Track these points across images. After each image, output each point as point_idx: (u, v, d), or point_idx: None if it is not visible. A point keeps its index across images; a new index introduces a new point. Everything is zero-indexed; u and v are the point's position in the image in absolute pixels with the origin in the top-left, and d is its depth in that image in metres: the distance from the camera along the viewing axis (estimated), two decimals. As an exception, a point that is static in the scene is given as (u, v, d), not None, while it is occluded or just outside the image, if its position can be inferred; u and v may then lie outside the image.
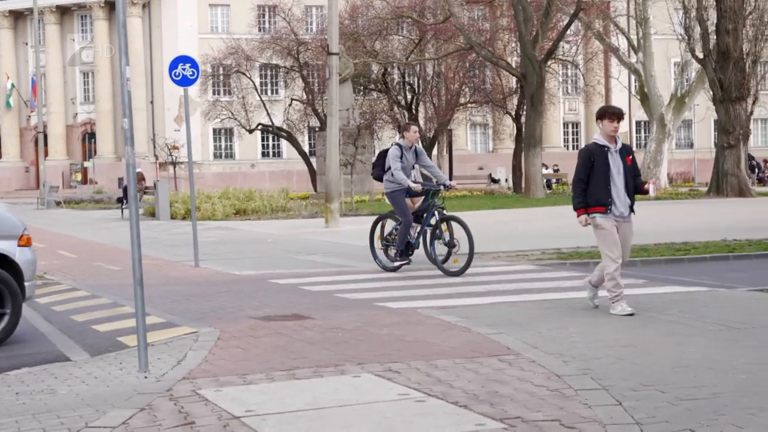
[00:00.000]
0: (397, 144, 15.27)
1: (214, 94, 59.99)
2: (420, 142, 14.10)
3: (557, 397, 6.81)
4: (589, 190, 10.46)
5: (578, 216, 10.60)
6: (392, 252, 15.48)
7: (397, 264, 15.36)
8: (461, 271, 14.52)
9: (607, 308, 10.70)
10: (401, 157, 15.03)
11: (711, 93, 41.65)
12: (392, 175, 15.06)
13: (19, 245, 10.56)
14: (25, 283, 10.62)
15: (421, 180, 16.05)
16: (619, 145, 10.68)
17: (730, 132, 39.41)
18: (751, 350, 8.33)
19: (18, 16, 72.66)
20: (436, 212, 15.03)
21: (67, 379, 8.19)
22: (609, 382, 7.18)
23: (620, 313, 10.36)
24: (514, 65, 50.28)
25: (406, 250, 15.29)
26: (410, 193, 15.23)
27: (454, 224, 14.91)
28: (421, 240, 15.39)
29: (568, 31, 48.59)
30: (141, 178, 38.70)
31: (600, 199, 10.43)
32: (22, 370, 8.76)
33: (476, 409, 6.50)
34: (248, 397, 7.01)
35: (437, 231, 15.00)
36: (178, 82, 18.04)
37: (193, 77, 18.13)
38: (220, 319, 10.95)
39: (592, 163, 10.46)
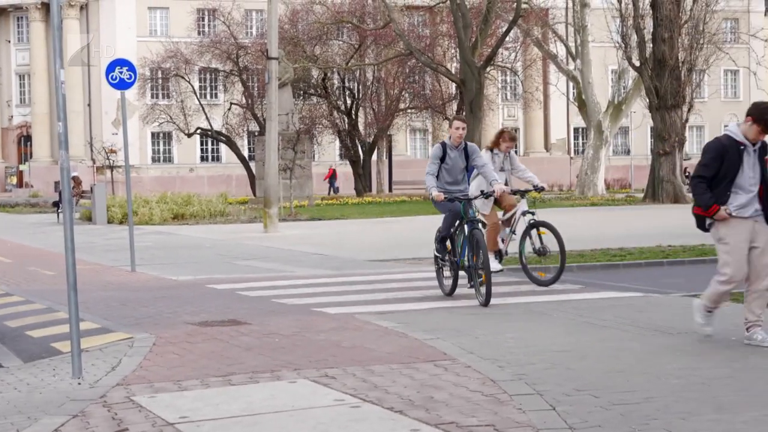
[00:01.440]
0: (441, 142, 12.99)
1: (152, 97, 59.58)
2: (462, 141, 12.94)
3: (492, 402, 6.84)
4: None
5: (713, 214, 8.87)
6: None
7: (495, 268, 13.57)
8: (551, 281, 13.46)
9: (544, 313, 10.77)
10: (442, 158, 12.65)
11: (647, 100, 42.16)
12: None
13: None
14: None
15: (511, 187, 14.27)
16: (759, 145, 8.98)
17: (666, 139, 39.91)
18: (684, 355, 8.43)
19: (-47, 17, 71.70)
20: (525, 218, 13.74)
21: (-2, 385, 8.08)
22: (543, 387, 7.23)
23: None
24: (453, 71, 50.53)
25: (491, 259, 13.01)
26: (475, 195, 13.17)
27: (543, 231, 13.59)
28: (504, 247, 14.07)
29: (507, 38, 48.94)
30: (77, 182, 38.30)
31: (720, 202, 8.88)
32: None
33: (411, 415, 6.51)
34: (183, 404, 6.96)
35: (528, 238, 13.68)
36: (115, 86, 17.89)
37: (131, 80, 17.99)
38: (156, 324, 10.87)
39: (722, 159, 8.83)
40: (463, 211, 12.29)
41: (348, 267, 17.17)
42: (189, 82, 56.22)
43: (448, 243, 12.69)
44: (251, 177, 50.42)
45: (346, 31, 56.05)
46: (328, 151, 63.49)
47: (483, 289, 11.81)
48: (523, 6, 45.13)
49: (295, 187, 37.26)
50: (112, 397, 7.27)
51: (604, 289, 13.37)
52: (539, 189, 14.10)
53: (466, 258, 12.33)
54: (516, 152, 14.60)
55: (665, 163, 39.97)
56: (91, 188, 36.39)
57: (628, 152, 72.52)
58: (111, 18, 67.22)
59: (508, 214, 14.02)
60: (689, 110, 44.27)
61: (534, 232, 13.63)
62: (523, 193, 14.12)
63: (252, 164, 49.89)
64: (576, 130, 72.46)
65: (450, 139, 12.79)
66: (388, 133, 59.61)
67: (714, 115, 74.77)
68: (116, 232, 27.95)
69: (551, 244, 13.46)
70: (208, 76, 62.18)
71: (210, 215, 33.46)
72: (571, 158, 71.29)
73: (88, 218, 34.85)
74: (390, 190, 60.55)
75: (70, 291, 8.23)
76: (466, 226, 12.34)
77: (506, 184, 13.89)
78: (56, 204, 38.53)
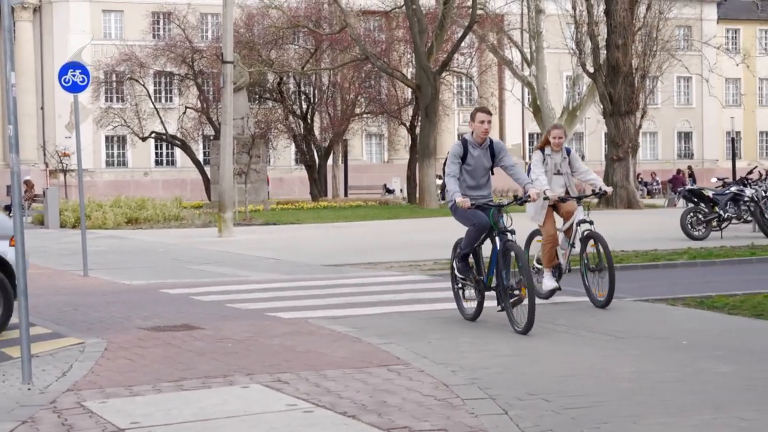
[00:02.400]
0: (461, 139, 10.99)
1: (106, 101, 59.10)
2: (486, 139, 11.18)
3: (445, 406, 6.86)
4: None
5: None
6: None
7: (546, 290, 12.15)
8: (606, 303, 11.68)
9: (496, 320, 10.82)
10: (463, 158, 10.77)
11: (601, 107, 42.46)
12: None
13: (10, 245, 10.69)
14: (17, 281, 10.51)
15: (573, 192, 12.45)
16: None
17: (620, 145, 40.21)
18: (635, 359, 8.50)
19: None
20: (581, 228, 12.06)
21: (-53, 391, 7.98)
22: (496, 392, 7.26)
23: None
24: (409, 76, 50.59)
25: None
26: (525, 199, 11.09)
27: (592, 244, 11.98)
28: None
29: (463, 44, 49.10)
30: (30, 185, 37.94)
31: None
32: None
33: (364, 420, 6.52)
34: (134, 409, 6.91)
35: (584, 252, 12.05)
36: (68, 89, 17.75)
37: (84, 84, 17.85)
38: (108, 329, 10.79)
39: None
40: (493, 220, 10.37)
41: (303, 271, 17.15)
42: (144, 86, 55.86)
43: (471, 258, 10.87)
44: (206, 181, 50.17)
45: (301, 35, 55.95)
46: (283, 155, 63.35)
47: (518, 312, 10.05)
48: (479, 12, 45.29)
49: (250, 192, 37.13)
50: (62, 402, 7.21)
51: (558, 293, 13.43)
52: (600, 194, 12.37)
53: (494, 276, 10.40)
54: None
55: (619, 169, 40.27)
56: (44, 192, 36.07)
57: (582, 158, 72.73)
58: (65, 21, 66.62)
59: (567, 224, 12.20)
60: (643, 116, 44.68)
61: (589, 244, 11.97)
62: (578, 200, 12.32)
63: (207, 168, 49.64)
64: (531, 135, 72.78)
65: (472, 135, 10.82)
66: (344, 137, 59.54)
67: (667, 121, 75.46)
68: (69, 236, 27.73)
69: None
70: (162, 79, 61.83)
71: (164, 219, 33.26)
72: (526, 163, 71.65)
73: (41, 222, 34.54)
74: (345, 194, 60.50)
75: (21, 296, 8.15)
76: (497, 239, 10.33)
77: (567, 191, 12.27)
78: (7, 208, 38.12)
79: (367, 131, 68.18)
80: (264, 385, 7.58)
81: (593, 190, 12.29)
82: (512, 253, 10.22)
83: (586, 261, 11.99)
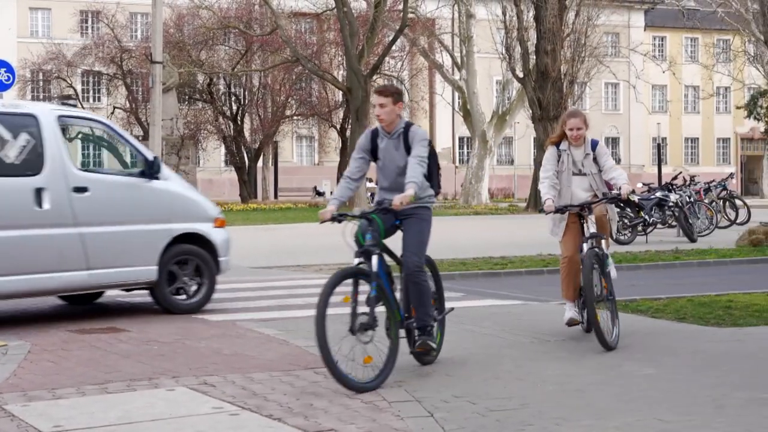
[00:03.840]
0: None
1: (33, 99, 58.34)
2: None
3: (371, 409, 6.88)
4: None
5: None
6: None
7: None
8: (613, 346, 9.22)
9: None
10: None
11: (530, 111, 42.85)
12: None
13: (214, 226, 12.43)
14: (220, 259, 12.40)
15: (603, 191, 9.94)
16: None
17: (548, 149, 40.59)
18: (560, 362, 8.59)
19: None
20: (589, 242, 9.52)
21: None
22: (422, 394, 7.29)
23: None
24: (340, 79, 50.60)
25: None
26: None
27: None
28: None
29: (394, 47, 49.27)
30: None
31: None
32: None
33: (290, 422, 6.51)
34: (57, 412, 6.83)
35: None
36: (-7, 88, 17.50)
37: (9, 82, 17.65)
38: (31, 331, 10.64)
39: None
40: (360, 233, 8.09)
41: (231, 273, 17.01)
42: (71, 85, 55.25)
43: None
44: (134, 182, 49.74)
45: (232, 36, 55.74)
46: (213, 156, 62.99)
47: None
48: (410, 15, 45.49)
49: (178, 193, 36.81)
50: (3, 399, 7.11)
51: (485, 297, 13.54)
52: (613, 198, 9.80)
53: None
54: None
55: (547, 173, 40.61)
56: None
57: (512, 162, 73.57)
58: (-10, 18, 65.66)
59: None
60: (571, 121, 45.05)
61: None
62: (582, 207, 9.58)
63: (135, 169, 49.23)
64: (461, 139, 73.20)
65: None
66: (274, 139, 59.41)
67: (595, 126, 75.91)
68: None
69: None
70: (91, 79, 61.17)
71: (91, 220, 32.85)
72: (456, 167, 72.01)
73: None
74: (275, 196, 60.36)
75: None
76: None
77: (595, 195, 9.76)
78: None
79: (298, 133, 68.09)
80: (190, 388, 7.53)
81: (604, 193, 9.75)
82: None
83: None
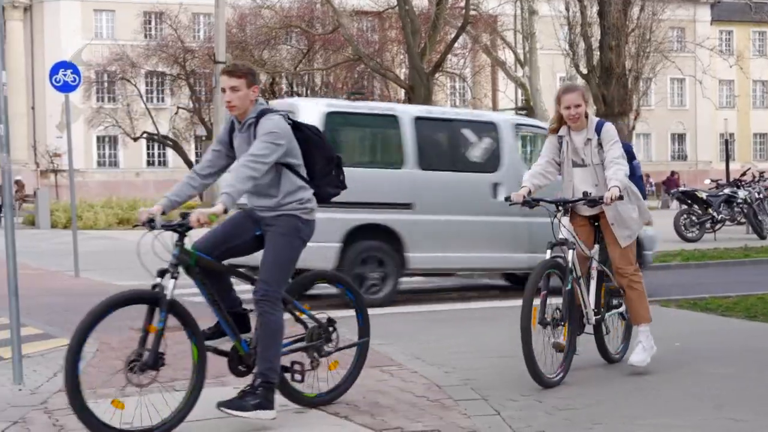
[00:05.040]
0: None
1: (98, 101, 59.04)
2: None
3: (437, 407, 6.83)
4: None
5: None
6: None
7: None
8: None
9: (491, 319, 10.76)
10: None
11: (595, 108, 42.49)
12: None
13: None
14: (644, 252, 13.22)
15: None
16: None
17: (613, 146, 40.24)
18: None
19: None
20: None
21: (-64, 392, 7.93)
22: (489, 392, 7.23)
23: None
24: (402, 77, 50.55)
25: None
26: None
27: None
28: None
29: (456, 45, 49.06)
30: (21, 185, 37.88)
31: None
32: None
33: (357, 420, 6.48)
34: (126, 409, 6.86)
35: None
36: (59, 88, 17.68)
37: (75, 83, 17.79)
38: (99, 330, 10.70)
39: None
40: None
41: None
42: (135, 86, 55.83)
43: None
44: (198, 182, 50.19)
45: (294, 35, 55.93)
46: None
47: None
48: (472, 13, 45.29)
49: (242, 192, 37.06)
50: (53, 403, 7.17)
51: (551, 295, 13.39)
52: (591, 201, 7.79)
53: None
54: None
55: (612, 170, 40.29)
56: (35, 192, 35.99)
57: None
58: (56, 20, 66.53)
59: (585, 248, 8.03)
60: (636, 118, 44.63)
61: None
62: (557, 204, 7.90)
63: (199, 169, 49.66)
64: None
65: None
66: (337, 138, 59.52)
67: (661, 123, 75.50)
68: (60, 237, 27.67)
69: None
70: (154, 79, 61.78)
71: (156, 220, 33.18)
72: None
73: (32, 223, 34.46)
74: (338, 195, 60.52)
75: (11, 296, 8.11)
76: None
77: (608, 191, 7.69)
78: (-1, 208, 38.07)
79: (360, 132, 68.11)
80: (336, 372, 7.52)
81: (584, 192, 7.83)
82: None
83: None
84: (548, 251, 7.55)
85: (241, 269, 7.06)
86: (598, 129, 7.91)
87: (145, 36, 62.58)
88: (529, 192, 7.85)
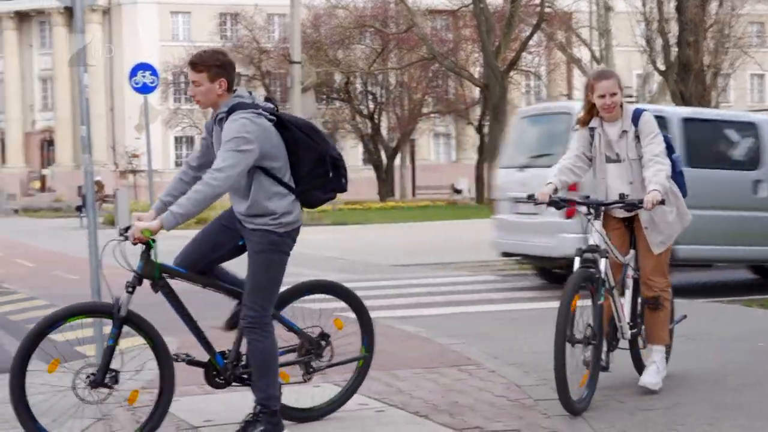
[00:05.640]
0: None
1: (175, 101, 59.81)
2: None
3: (517, 407, 6.80)
4: None
5: None
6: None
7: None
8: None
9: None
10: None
11: (673, 104, 41.97)
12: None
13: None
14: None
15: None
16: None
17: (691, 143, 39.72)
18: (708, 362, 8.34)
19: (-24, 23, 72.13)
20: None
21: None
22: (569, 393, 7.16)
23: None
24: (476, 75, 50.47)
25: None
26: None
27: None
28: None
29: (531, 42, 48.87)
30: (100, 186, 38.47)
31: None
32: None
33: (436, 419, 6.47)
34: (207, 407, 6.95)
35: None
36: (138, 90, 17.95)
37: (153, 85, 18.06)
38: (181, 329, 10.78)
39: None
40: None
41: (372, 271, 17.15)
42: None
43: None
44: (274, 181, 50.55)
45: (368, 35, 56.10)
46: (350, 155, 63.55)
47: None
48: (547, 10, 45.05)
49: (317, 192, 37.23)
50: (138, 400, 7.24)
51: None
52: (629, 205, 6.97)
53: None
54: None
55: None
56: (114, 192, 36.49)
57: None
58: (133, 23, 67.51)
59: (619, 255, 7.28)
60: (714, 114, 44.03)
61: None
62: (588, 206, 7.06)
63: (275, 168, 50.01)
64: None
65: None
66: (411, 137, 59.58)
67: (739, 119, 74.30)
68: (140, 236, 28.00)
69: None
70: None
71: (235, 219, 33.48)
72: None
73: (111, 222, 34.94)
74: (413, 194, 60.55)
75: (94, 295, 8.23)
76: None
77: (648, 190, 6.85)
78: (79, 208, 38.69)
79: (435, 131, 68.18)
80: (335, 384, 7.56)
81: (621, 194, 6.97)
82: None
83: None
84: (577, 259, 6.78)
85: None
86: (635, 119, 7.06)
87: (221, 37, 63.21)
88: (555, 190, 7.06)
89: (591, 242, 6.85)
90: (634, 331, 7.32)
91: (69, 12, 67.30)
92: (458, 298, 13.16)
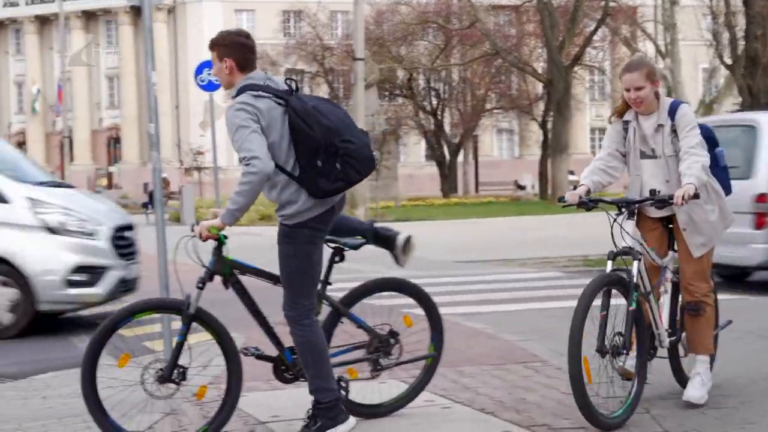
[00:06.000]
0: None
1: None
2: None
3: (585, 405, 6.74)
4: None
5: None
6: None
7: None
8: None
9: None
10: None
11: (740, 99, 41.40)
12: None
13: None
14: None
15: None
16: None
17: (759, 138, 39.18)
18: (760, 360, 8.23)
19: (44, 22, 73.26)
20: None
21: (92, 383, 8.17)
22: (637, 390, 7.10)
23: None
24: (540, 71, 50.20)
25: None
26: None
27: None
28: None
29: (595, 37, 48.51)
30: (166, 183, 38.86)
31: None
32: (48, 374, 8.78)
33: (503, 416, 6.46)
34: (274, 402, 7.01)
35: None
36: (204, 87, 18.12)
37: (218, 82, 18.19)
38: (247, 325, 10.85)
39: None
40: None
41: (436, 268, 17.12)
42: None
43: None
44: (337, 178, 50.72)
45: (431, 31, 56.03)
46: (413, 151, 63.53)
47: None
48: (611, 4, 44.71)
49: (381, 188, 37.35)
50: (207, 395, 7.30)
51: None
52: (660, 201, 6.44)
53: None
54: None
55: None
56: (180, 189, 36.87)
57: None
58: (198, 21, 68.08)
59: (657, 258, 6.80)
60: (783, 109, 43.43)
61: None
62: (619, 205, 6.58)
63: (338, 165, 50.18)
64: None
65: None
66: (474, 133, 59.45)
67: (807, 113, 73.16)
68: (205, 233, 28.21)
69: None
70: (293, 77, 62.62)
71: (297, 216, 33.62)
72: (660, 158, 70.40)
73: (176, 219, 35.31)
74: (476, 190, 60.44)
75: (162, 290, 8.31)
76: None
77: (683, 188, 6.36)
78: (146, 205, 39.11)
79: (498, 127, 67.95)
80: (401, 381, 7.57)
81: (651, 190, 6.54)
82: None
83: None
84: (609, 263, 6.33)
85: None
86: (672, 112, 6.52)
87: (285, 34, 63.53)
88: (588, 191, 6.58)
89: (623, 244, 6.40)
90: (672, 339, 6.87)
91: (135, 11, 68.06)
92: (523, 294, 13.10)
